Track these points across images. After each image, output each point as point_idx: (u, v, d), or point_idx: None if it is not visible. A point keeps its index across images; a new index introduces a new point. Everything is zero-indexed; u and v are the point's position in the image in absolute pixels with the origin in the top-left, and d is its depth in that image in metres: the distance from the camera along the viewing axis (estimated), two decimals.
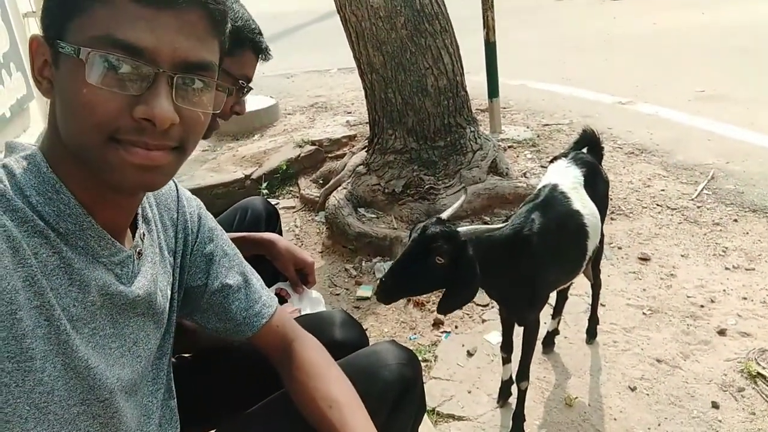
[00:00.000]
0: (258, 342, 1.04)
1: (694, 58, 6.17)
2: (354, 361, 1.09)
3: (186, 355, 1.32)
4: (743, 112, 4.43)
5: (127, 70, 0.67)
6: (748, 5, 8.51)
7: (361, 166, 3.58)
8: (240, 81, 1.22)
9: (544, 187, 1.87)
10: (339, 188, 3.56)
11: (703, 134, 4.05)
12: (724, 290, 2.58)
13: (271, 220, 1.66)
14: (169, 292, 0.93)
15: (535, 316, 1.79)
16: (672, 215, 3.18)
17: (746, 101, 4.67)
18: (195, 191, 3.95)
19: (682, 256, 2.85)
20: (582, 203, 1.84)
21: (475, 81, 4.49)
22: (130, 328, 0.82)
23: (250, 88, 1.29)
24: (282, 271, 1.47)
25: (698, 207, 3.22)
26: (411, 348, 2.42)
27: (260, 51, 1.26)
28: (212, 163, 4.43)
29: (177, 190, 1.00)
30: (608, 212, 3.19)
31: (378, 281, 1.51)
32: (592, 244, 1.86)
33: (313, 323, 1.19)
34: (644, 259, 2.85)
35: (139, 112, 0.68)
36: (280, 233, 1.68)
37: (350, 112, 5.18)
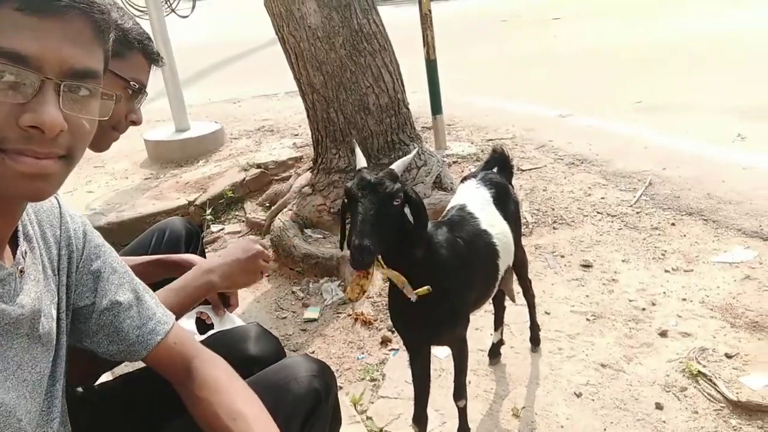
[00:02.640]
0: (155, 363, 0.99)
1: (632, 72, 6.39)
2: (264, 377, 1.05)
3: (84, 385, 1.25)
4: (678, 121, 4.59)
5: (12, 78, 0.66)
6: (683, 22, 8.91)
7: (306, 187, 3.56)
8: (132, 84, 1.18)
9: (452, 207, 1.88)
10: (284, 210, 3.52)
11: (641, 143, 4.18)
12: (664, 292, 2.64)
13: (192, 240, 1.61)
14: (54, 313, 0.88)
15: (460, 335, 1.76)
16: (612, 222, 3.25)
17: (681, 110, 4.85)
18: (136, 220, 3.83)
19: (623, 261, 2.90)
20: (491, 223, 1.84)
21: (421, 99, 4.55)
22: (13, 351, 0.78)
23: (146, 93, 1.26)
24: None
25: (637, 213, 3.30)
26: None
27: (151, 54, 1.22)
28: (154, 191, 4.33)
29: (60, 206, 0.96)
30: (551, 221, 3.25)
31: (350, 250, 1.41)
32: (503, 263, 1.86)
33: (225, 339, 1.15)
34: (587, 266, 2.89)
35: (27, 119, 0.67)
36: (203, 255, 1.62)
37: (297, 135, 5.16)
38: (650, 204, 3.37)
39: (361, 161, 1.56)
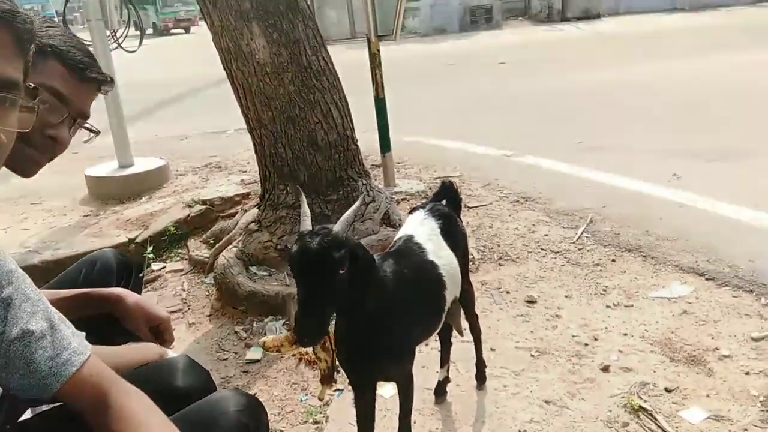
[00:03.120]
0: (68, 396, 0.93)
1: (572, 115, 6.65)
2: (191, 412, 1.00)
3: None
4: (616, 161, 4.77)
5: None
6: (620, 71, 9.38)
7: (253, 224, 3.49)
8: (47, 93, 1.12)
9: (399, 238, 1.88)
10: (229, 247, 3.44)
11: (582, 181, 4.31)
12: (606, 328, 2.68)
13: (124, 274, 1.54)
14: None
15: (407, 370, 1.73)
16: (555, 258, 3.31)
17: (619, 151, 5.06)
18: (73, 258, 3.68)
19: (566, 297, 2.95)
20: (437, 254, 1.85)
21: (371, 138, 4.58)
22: None
23: (80, 119, 1.23)
24: (133, 330, 1.35)
25: (579, 249, 3.37)
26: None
27: (70, 62, 1.16)
28: (93, 228, 4.17)
29: None
30: (497, 257, 3.29)
31: (293, 327, 1.37)
32: (449, 294, 1.86)
33: (151, 372, 1.09)
34: (531, 302, 2.92)
35: None
36: (138, 289, 1.55)
37: (245, 171, 5.10)
38: (592, 241, 3.45)
39: (305, 221, 1.46)
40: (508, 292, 3.03)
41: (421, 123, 6.63)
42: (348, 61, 5.47)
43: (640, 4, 19.51)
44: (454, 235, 1.97)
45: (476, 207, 3.96)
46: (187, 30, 28.69)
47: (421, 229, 1.90)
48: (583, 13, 18.92)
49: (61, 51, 1.15)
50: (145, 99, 9.37)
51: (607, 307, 2.85)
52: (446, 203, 2.12)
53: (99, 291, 1.34)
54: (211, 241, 3.84)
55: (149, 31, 29.96)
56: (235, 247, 3.41)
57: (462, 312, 2.11)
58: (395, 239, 1.91)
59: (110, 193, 4.82)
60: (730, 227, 3.43)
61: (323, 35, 3.63)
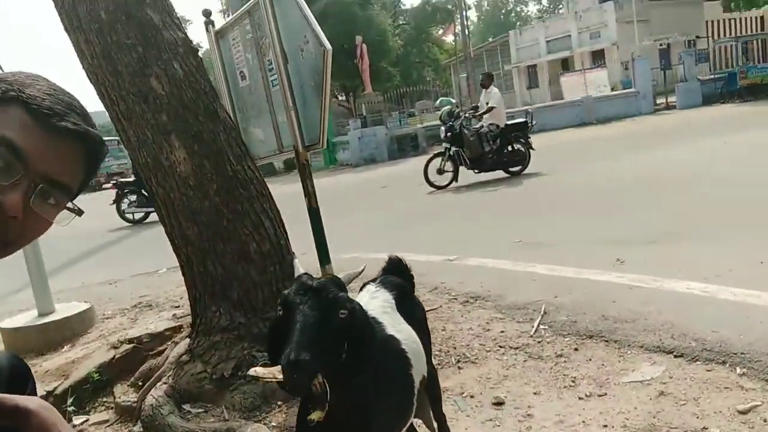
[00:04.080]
0: None
1: (505, 217, 6.74)
2: None
3: None
4: (558, 254, 4.75)
5: None
6: (537, 171, 9.82)
7: (184, 355, 3.14)
8: None
9: None
10: (158, 384, 3.04)
11: (528, 276, 4.21)
12: (583, 421, 2.43)
13: (19, 384, 1.20)
14: None
15: None
16: (516, 354, 3.09)
17: (558, 245, 5.06)
18: None
19: (534, 393, 2.70)
20: (396, 328, 1.65)
21: (312, 260, 4.36)
22: None
23: (38, 185, 0.91)
24: None
25: (539, 342, 3.18)
26: None
27: (37, 109, 0.90)
28: None
29: None
30: (455, 360, 3.04)
31: (283, 368, 1.16)
32: (416, 373, 1.63)
33: None
34: (498, 404, 2.65)
35: None
36: None
37: (178, 306, 4.74)
38: (550, 332, 3.28)
39: (299, 269, 1.41)
40: (472, 396, 2.75)
41: (359, 240, 6.54)
42: (283, 194, 5.43)
43: (552, 122, 21.03)
44: (410, 308, 1.78)
45: (426, 311, 3.74)
46: None
47: (374, 302, 1.70)
48: None
49: (28, 96, 0.90)
50: (72, 250, 8.93)
51: (580, 399, 2.61)
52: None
53: (9, 399, 1.00)
54: (140, 383, 3.40)
55: None
56: (164, 383, 3.01)
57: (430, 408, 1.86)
58: None
59: (28, 344, 4.30)
60: (684, 301, 3.35)
61: (251, 155, 3.54)
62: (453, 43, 42.69)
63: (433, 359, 1.94)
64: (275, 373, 1.21)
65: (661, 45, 26.00)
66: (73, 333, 4.45)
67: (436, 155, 10.37)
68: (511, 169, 10.12)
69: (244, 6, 4.38)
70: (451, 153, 9.93)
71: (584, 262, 4.36)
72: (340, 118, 21.29)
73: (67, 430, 1.05)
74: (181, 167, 3.06)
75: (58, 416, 1.05)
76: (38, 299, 4.51)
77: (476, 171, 10.12)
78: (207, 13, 4.94)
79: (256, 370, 1.26)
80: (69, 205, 0.99)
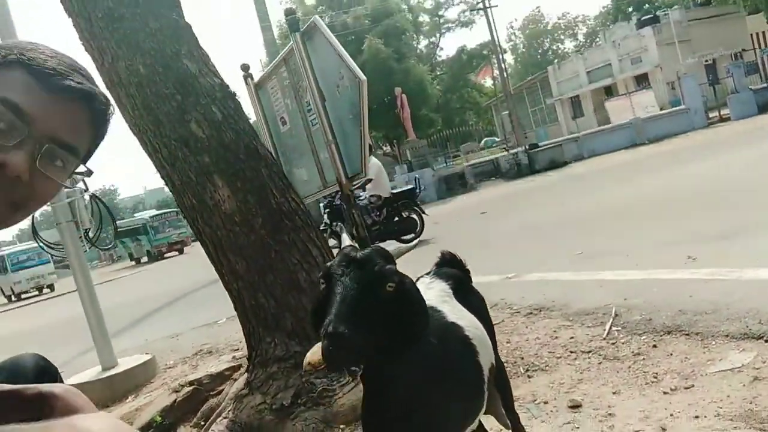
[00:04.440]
0: None
1: (565, 233, 6.50)
2: None
3: None
4: (623, 260, 4.50)
5: None
6: (597, 192, 9.52)
7: (243, 389, 3.08)
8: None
9: None
10: (218, 420, 2.99)
11: (593, 283, 4.00)
12: (671, 414, 2.21)
13: (45, 380, 1.15)
14: None
15: None
16: (589, 358, 2.88)
17: (622, 253, 4.80)
18: None
19: (614, 393, 2.49)
20: (457, 315, 1.54)
21: None
22: None
23: (44, 145, 0.87)
24: None
25: (612, 344, 2.96)
26: None
27: (39, 69, 0.87)
28: None
29: None
30: (523, 370, 2.87)
31: (323, 340, 1.06)
32: (484, 360, 1.51)
33: None
34: (575, 407, 2.45)
35: None
36: None
37: (237, 349, 4.73)
38: (623, 332, 3.06)
39: (346, 241, 1.35)
40: (545, 402, 2.56)
41: (416, 268, 6.42)
42: None
43: (601, 146, 20.60)
44: (468, 296, 1.68)
45: None
46: (180, 251, 29.52)
47: (430, 293, 1.60)
48: (550, 163, 19.84)
49: (29, 58, 0.88)
50: (136, 312, 9.19)
51: (665, 393, 2.39)
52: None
53: (28, 389, 0.96)
54: (202, 423, 3.36)
55: (144, 258, 30.69)
56: (225, 418, 2.96)
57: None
58: None
59: (94, 398, 4.26)
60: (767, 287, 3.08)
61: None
62: (492, 86, 42.99)
63: (498, 353, 1.80)
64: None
65: (706, 61, 25.44)
66: (136, 384, 4.49)
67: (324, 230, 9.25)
68: (403, 238, 8.98)
69: (281, 54, 4.52)
70: (333, 228, 9.08)
71: (654, 264, 4.11)
72: (387, 167, 21.50)
73: (95, 414, 0.99)
74: (225, 205, 3.08)
75: (86, 400, 0.99)
76: (101, 354, 4.60)
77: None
78: (245, 68, 5.11)
79: (307, 360, 1.18)
80: (80, 168, 0.97)
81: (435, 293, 1.61)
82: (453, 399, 1.39)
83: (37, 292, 24.93)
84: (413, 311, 1.21)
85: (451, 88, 38.57)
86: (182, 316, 8.12)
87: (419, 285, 1.67)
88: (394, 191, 9.59)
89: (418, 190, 9.69)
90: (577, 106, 37.66)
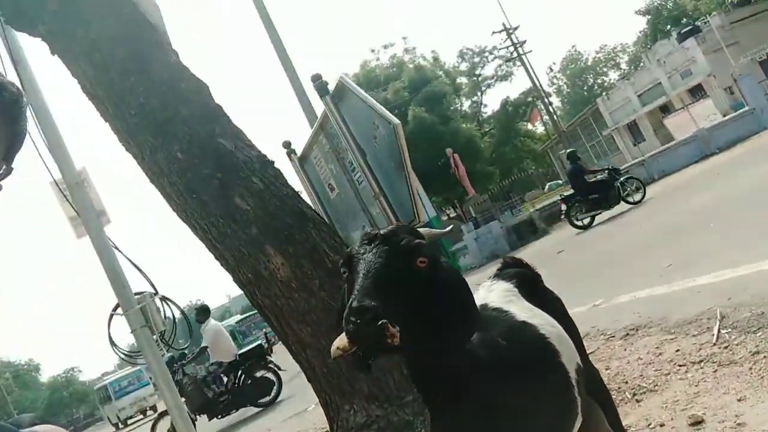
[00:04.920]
0: None
1: (648, 252, 6.05)
2: None
3: None
4: (715, 262, 4.08)
5: None
6: (678, 204, 8.97)
7: None
8: None
9: None
10: None
11: (689, 291, 3.62)
12: None
13: None
14: None
15: None
16: (702, 368, 2.54)
17: (715, 255, 4.37)
18: None
19: (739, 400, 2.15)
20: (528, 314, 1.35)
21: None
22: None
23: None
24: None
25: (725, 348, 2.61)
26: None
27: None
28: None
29: None
30: (630, 395, 2.55)
31: (350, 309, 0.97)
32: (568, 361, 1.30)
33: None
34: (697, 423, 2.12)
35: None
36: None
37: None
38: (735, 334, 2.69)
39: (428, 232, 1.20)
40: (662, 425, 2.24)
41: None
42: None
43: (670, 165, 19.66)
44: (538, 294, 1.49)
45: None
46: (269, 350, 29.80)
47: (492, 294, 1.43)
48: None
49: None
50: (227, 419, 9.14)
51: None
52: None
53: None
54: None
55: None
56: None
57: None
58: None
59: None
60: None
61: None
62: (544, 130, 42.64)
63: (588, 356, 1.57)
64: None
65: (760, 58, 24.36)
66: None
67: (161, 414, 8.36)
68: (260, 402, 8.21)
69: (317, 122, 4.58)
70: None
71: (751, 258, 3.69)
72: (454, 228, 21.30)
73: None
74: (280, 273, 3.02)
75: None
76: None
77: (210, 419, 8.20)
78: (287, 145, 5.21)
79: (335, 345, 1.07)
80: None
81: (498, 294, 1.44)
82: (539, 407, 1.18)
83: (141, 416, 25.53)
84: (454, 295, 1.05)
85: (502, 140, 38.48)
86: (273, 409, 8.02)
87: (480, 291, 1.50)
88: (241, 351, 8.68)
89: (267, 345, 8.62)
90: (636, 131, 36.56)
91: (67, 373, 49.18)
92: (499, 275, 1.58)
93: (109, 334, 5.02)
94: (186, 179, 3.13)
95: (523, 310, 1.38)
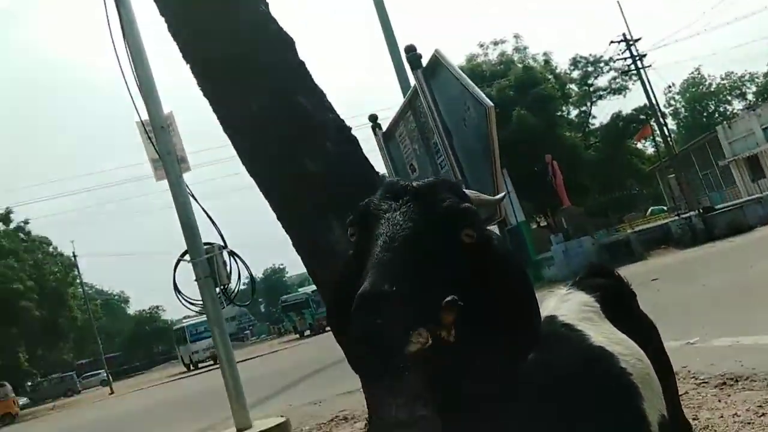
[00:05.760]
0: None
1: (762, 293, 5.35)
2: None
3: None
4: None
5: None
6: None
7: None
8: None
9: None
10: None
11: None
12: None
13: None
14: None
15: None
16: None
17: None
18: None
19: None
20: (607, 339, 1.00)
21: None
22: None
23: None
24: None
25: None
26: None
27: None
28: None
29: None
30: None
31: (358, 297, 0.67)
32: (652, 412, 0.95)
33: None
34: None
35: None
36: None
37: None
38: None
39: (482, 198, 1.01)
40: None
41: None
42: None
43: None
44: (629, 319, 1.14)
45: None
46: None
47: (565, 306, 1.10)
48: (730, 228, 17.45)
49: None
50: (289, 379, 9.27)
51: None
52: None
53: None
54: None
55: (307, 332, 31.68)
56: None
57: None
58: None
59: None
60: None
61: None
62: (654, 151, 40.21)
63: (681, 407, 1.21)
64: None
65: None
66: None
67: None
68: None
69: (405, 97, 4.31)
70: None
71: None
72: (541, 238, 20.46)
73: None
74: (339, 246, 2.79)
75: None
76: (236, 415, 4.46)
77: None
78: (374, 118, 4.97)
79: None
80: None
81: (573, 307, 1.11)
82: None
83: (212, 361, 26.75)
84: (510, 292, 0.74)
85: (607, 155, 36.59)
86: (330, 383, 7.97)
87: (550, 300, 1.18)
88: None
89: None
90: (756, 166, 33.68)
91: (152, 310, 52.16)
92: (580, 284, 1.25)
93: (174, 277, 5.06)
94: (258, 133, 2.97)
95: (603, 333, 1.04)
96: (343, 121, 3.13)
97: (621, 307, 1.20)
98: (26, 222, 26.92)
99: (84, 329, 29.15)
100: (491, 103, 3.21)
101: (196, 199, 4.67)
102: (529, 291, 0.80)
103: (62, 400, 30.27)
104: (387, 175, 4.66)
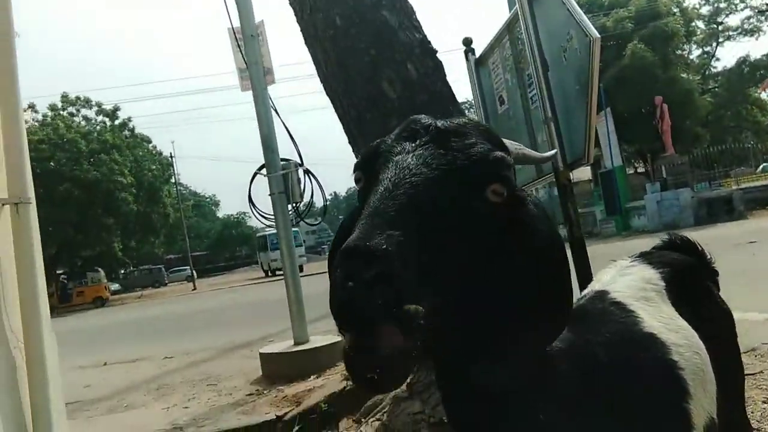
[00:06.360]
0: None
1: None
2: None
3: None
4: None
5: None
6: None
7: (404, 391, 2.64)
8: None
9: (582, 296, 0.94)
10: (370, 421, 2.60)
11: None
12: None
13: None
14: None
15: None
16: None
17: None
18: None
19: None
20: (664, 324, 0.87)
21: None
22: None
23: None
24: None
25: None
26: None
27: None
28: (247, 406, 3.67)
29: None
30: None
31: (342, 251, 0.58)
32: (698, 410, 0.83)
33: None
34: None
35: None
36: None
37: None
38: None
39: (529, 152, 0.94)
40: None
41: None
42: None
43: None
44: (699, 303, 1.00)
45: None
46: None
47: (623, 280, 0.98)
48: None
49: None
50: None
51: None
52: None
53: None
54: (363, 420, 3.02)
55: None
56: (377, 420, 2.56)
57: None
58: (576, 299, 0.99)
59: (280, 371, 4.37)
60: None
61: None
62: None
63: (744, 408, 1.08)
64: None
65: None
66: (322, 364, 4.35)
67: None
68: None
69: (505, 20, 4.02)
70: None
71: None
72: (635, 185, 19.44)
73: None
74: None
75: None
76: (295, 329, 4.60)
77: None
78: (467, 42, 4.69)
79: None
80: None
81: (631, 282, 0.98)
82: None
83: None
84: (539, 261, 0.62)
85: (725, 103, 33.60)
86: None
87: (607, 272, 1.05)
88: None
89: None
90: None
91: (239, 216, 54.96)
92: (648, 256, 1.10)
93: (250, 189, 5.19)
94: (338, 49, 2.86)
95: (659, 318, 0.91)
96: (429, 42, 2.95)
97: (691, 288, 1.05)
98: (129, 119, 28.48)
99: (174, 226, 31.12)
100: (597, 34, 2.92)
101: (277, 113, 4.67)
102: (561, 257, 0.67)
103: (149, 290, 33.05)
104: (473, 105, 4.45)
